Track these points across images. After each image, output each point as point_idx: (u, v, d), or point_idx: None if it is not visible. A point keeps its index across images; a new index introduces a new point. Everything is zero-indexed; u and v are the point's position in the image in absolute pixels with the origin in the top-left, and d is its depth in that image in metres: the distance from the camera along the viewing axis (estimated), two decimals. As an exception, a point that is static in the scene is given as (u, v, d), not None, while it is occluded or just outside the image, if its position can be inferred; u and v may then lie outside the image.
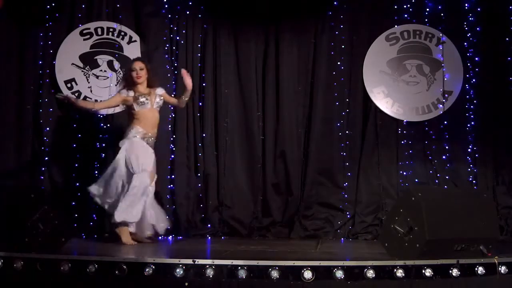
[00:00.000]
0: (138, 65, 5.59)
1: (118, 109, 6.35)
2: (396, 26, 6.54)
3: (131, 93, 5.53)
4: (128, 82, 5.59)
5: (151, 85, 5.65)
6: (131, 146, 5.46)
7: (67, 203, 6.20)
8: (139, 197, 5.34)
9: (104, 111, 6.33)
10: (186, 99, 5.72)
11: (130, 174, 5.40)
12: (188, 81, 5.58)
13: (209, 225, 6.34)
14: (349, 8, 6.57)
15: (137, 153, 5.42)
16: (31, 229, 4.25)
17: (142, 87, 5.60)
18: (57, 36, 6.40)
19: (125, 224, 5.34)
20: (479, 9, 6.43)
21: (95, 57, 6.40)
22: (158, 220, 5.57)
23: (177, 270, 3.84)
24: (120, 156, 5.48)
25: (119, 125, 6.39)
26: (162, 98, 5.64)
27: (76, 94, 6.33)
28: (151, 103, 5.56)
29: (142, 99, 5.51)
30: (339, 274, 3.83)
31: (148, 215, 5.46)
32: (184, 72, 5.61)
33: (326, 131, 6.51)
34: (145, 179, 5.39)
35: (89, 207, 6.26)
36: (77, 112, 6.36)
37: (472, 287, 3.97)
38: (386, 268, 3.90)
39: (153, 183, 5.55)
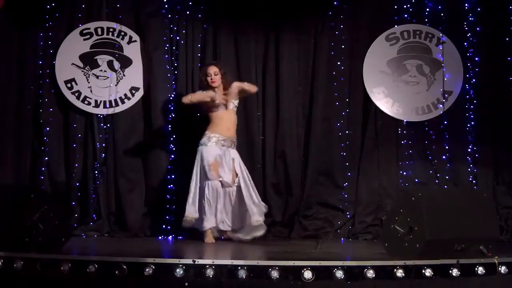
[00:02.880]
0: (213, 69, 5.80)
1: (118, 109, 6.38)
2: (396, 26, 6.53)
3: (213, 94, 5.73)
4: (204, 87, 5.79)
5: (226, 87, 5.80)
6: (206, 153, 5.65)
7: (67, 203, 6.21)
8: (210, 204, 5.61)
9: (104, 111, 6.35)
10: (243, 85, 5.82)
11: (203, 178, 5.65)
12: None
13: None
14: (349, 8, 6.56)
15: (210, 160, 5.63)
16: (31, 229, 4.25)
17: (219, 91, 5.78)
18: (57, 36, 6.40)
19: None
20: (479, 9, 6.42)
21: (95, 57, 6.40)
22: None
23: (177, 270, 3.84)
24: (196, 163, 5.70)
25: (119, 125, 6.41)
26: (237, 99, 5.79)
27: (76, 94, 6.34)
28: (227, 105, 5.74)
29: (217, 102, 5.70)
30: (339, 274, 3.83)
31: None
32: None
33: (326, 131, 6.51)
34: (215, 186, 5.63)
35: (89, 207, 6.28)
36: (77, 112, 6.38)
37: (472, 287, 3.97)
38: (386, 268, 3.90)
39: (235, 182, 5.73)
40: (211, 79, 5.78)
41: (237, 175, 5.75)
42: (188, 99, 5.78)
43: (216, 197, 5.66)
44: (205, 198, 5.62)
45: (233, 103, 5.82)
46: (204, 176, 5.67)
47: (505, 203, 6.28)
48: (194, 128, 6.21)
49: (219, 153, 5.70)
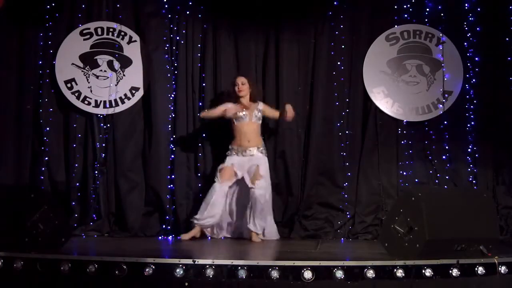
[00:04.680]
0: (240, 80, 6.01)
1: (118, 109, 6.38)
2: (396, 26, 6.53)
3: (233, 109, 5.94)
4: (231, 96, 6.00)
5: (253, 99, 6.01)
6: (226, 161, 5.94)
7: (67, 203, 6.21)
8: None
9: (104, 111, 6.35)
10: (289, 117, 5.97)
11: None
12: (290, 115, 5.90)
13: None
14: (349, 8, 6.56)
15: (222, 166, 5.91)
16: (31, 229, 4.25)
17: (244, 101, 5.99)
18: (57, 36, 6.40)
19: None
20: (479, 9, 6.42)
21: (95, 57, 6.40)
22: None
23: (177, 270, 3.84)
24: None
25: (119, 125, 6.41)
26: (260, 111, 6.01)
27: (76, 94, 6.34)
28: (250, 116, 5.93)
29: (240, 114, 5.91)
30: (339, 274, 3.83)
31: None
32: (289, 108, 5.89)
33: (326, 131, 6.51)
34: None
35: (89, 207, 6.28)
36: (77, 112, 6.38)
37: (472, 287, 3.97)
38: (386, 268, 3.90)
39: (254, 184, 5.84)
40: (238, 88, 5.95)
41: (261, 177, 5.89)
42: (204, 114, 6.07)
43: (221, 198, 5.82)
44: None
45: (256, 115, 5.98)
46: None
47: (505, 203, 6.28)
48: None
49: (237, 161, 5.91)
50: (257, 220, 5.77)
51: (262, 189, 5.83)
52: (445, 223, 4.13)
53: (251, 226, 5.79)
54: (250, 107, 6.00)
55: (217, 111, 6.00)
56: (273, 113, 6.14)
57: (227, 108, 5.93)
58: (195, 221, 5.83)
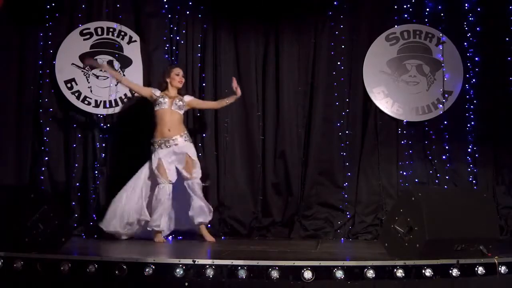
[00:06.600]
0: (181, 72, 5.94)
1: (118, 109, 6.38)
2: (396, 26, 6.54)
3: (158, 92, 5.85)
4: (163, 85, 5.92)
5: (180, 92, 5.96)
6: (153, 157, 5.74)
7: (67, 203, 6.21)
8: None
9: (104, 111, 6.35)
10: (228, 102, 5.97)
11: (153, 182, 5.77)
12: (238, 90, 5.88)
13: (209, 225, 6.33)
14: (349, 8, 6.57)
15: (154, 165, 5.70)
16: (31, 229, 4.25)
17: (173, 92, 5.89)
18: (57, 36, 6.41)
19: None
20: (479, 9, 6.43)
21: (95, 57, 6.39)
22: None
23: (177, 270, 3.83)
24: (144, 166, 5.83)
25: (119, 125, 6.41)
26: (184, 101, 5.87)
27: (76, 94, 6.34)
28: (169, 104, 5.79)
29: (160, 99, 5.79)
30: (339, 274, 3.83)
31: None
32: (234, 80, 5.92)
33: (326, 131, 6.51)
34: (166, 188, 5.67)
35: (89, 207, 6.28)
36: (77, 112, 6.38)
37: (472, 287, 3.97)
38: (386, 268, 3.90)
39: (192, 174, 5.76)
40: (179, 79, 5.89)
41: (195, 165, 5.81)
42: (125, 80, 5.98)
43: (167, 198, 5.67)
44: (157, 199, 5.66)
45: (176, 103, 5.81)
46: (155, 180, 5.73)
47: (505, 203, 6.29)
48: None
49: (163, 155, 5.71)
50: (206, 208, 5.77)
51: (198, 177, 5.79)
52: (445, 223, 4.12)
53: (200, 219, 5.75)
54: (175, 97, 5.86)
55: (141, 89, 5.99)
56: (207, 104, 6.14)
57: (154, 92, 5.86)
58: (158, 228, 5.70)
